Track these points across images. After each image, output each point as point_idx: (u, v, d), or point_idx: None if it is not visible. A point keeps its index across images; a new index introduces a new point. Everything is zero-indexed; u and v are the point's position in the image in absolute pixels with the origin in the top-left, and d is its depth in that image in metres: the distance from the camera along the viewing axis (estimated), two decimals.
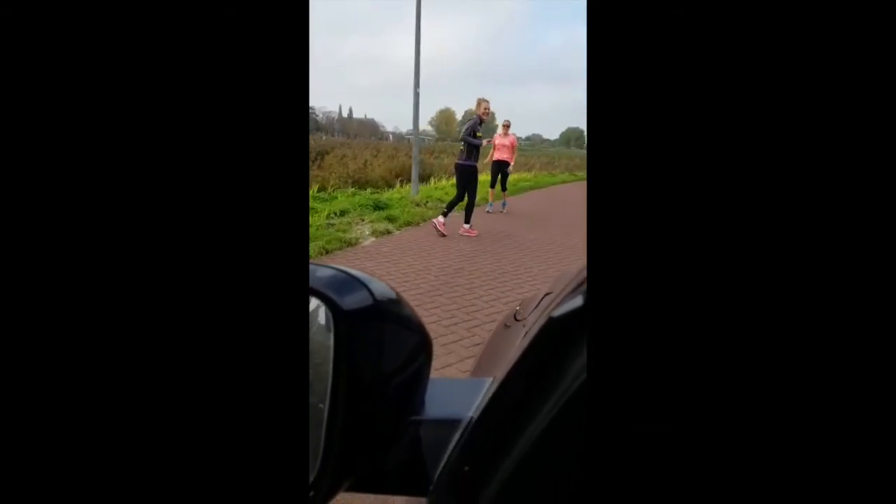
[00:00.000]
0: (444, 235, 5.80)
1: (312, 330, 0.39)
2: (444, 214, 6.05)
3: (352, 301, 0.37)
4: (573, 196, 12.04)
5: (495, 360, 0.61)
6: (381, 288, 0.39)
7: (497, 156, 7.92)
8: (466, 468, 0.37)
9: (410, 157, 10.51)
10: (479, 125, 6.07)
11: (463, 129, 6.23)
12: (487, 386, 0.42)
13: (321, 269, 0.39)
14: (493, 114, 6.68)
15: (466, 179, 6.08)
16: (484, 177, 8.21)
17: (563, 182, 17.37)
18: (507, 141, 8.00)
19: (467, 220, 6.09)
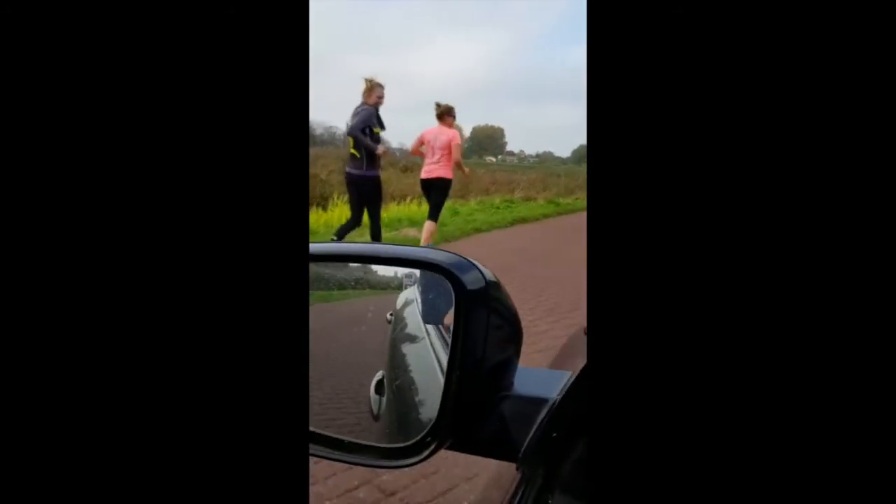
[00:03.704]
0: None
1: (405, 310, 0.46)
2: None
3: (471, 281, 0.41)
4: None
5: (573, 359, 0.67)
6: (489, 274, 0.43)
7: (430, 169, 4.75)
8: (554, 434, 0.41)
9: (404, 173, 10.36)
10: (375, 119, 4.20)
11: (352, 123, 4.22)
12: (568, 377, 0.46)
13: (439, 252, 0.44)
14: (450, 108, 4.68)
15: (365, 195, 4.31)
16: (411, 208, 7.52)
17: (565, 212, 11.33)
18: (440, 141, 4.64)
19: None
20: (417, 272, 0.46)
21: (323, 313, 0.48)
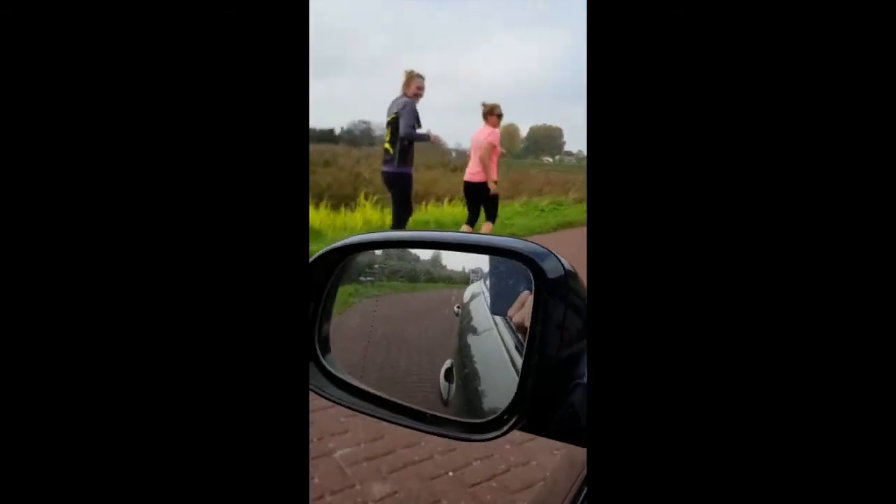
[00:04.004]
0: None
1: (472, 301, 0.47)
2: None
3: (550, 270, 0.42)
4: None
5: None
6: (567, 264, 0.44)
7: (470, 172, 4.59)
8: None
9: (452, 172, 10.23)
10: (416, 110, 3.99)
11: (400, 120, 3.90)
12: None
13: (519, 241, 0.45)
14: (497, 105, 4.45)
15: (406, 189, 4.09)
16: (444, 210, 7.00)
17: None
18: (478, 142, 4.48)
19: None
20: (484, 268, 0.47)
21: (396, 304, 0.50)
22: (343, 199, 8.13)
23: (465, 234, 0.51)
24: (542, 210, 9.21)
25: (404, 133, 3.94)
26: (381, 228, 5.72)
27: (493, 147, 4.37)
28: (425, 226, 6.67)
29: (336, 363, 0.46)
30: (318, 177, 10.63)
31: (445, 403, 0.47)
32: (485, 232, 4.54)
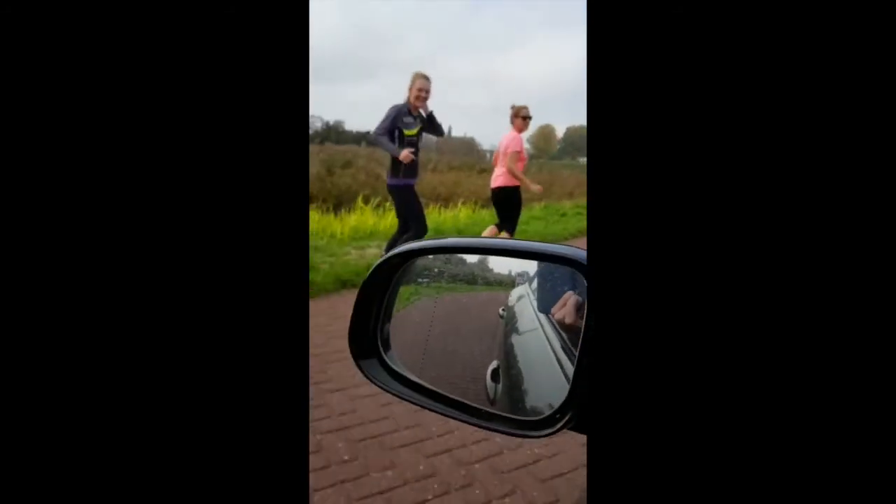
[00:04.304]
0: None
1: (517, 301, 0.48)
2: None
3: None
4: None
5: None
6: None
7: (494, 177, 4.32)
8: None
9: (479, 174, 10.05)
10: (407, 115, 3.49)
11: (379, 123, 3.53)
12: None
13: (569, 248, 0.46)
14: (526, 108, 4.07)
15: (406, 204, 3.67)
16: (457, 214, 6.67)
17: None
18: (503, 146, 4.24)
19: None
20: (531, 271, 0.50)
21: (452, 305, 0.53)
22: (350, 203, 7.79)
23: (517, 241, 0.53)
24: (564, 214, 8.39)
25: (371, 136, 3.66)
26: (380, 233, 5.58)
27: (517, 155, 4.14)
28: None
29: (396, 359, 0.50)
30: (336, 177, 10.62)
31: (492, 403, 0.49)
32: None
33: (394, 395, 0.48)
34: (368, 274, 0.49)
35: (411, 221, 3.72)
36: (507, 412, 0.48)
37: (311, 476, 1.45)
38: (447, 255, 0.51)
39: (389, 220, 5.91)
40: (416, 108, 3.57)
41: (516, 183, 4.14)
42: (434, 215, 7.37)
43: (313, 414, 1.79)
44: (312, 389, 1.98)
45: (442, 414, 0.47)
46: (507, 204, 4.26)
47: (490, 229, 4.41)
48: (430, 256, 0.52)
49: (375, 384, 0.49)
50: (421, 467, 1.56)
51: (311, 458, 1.55)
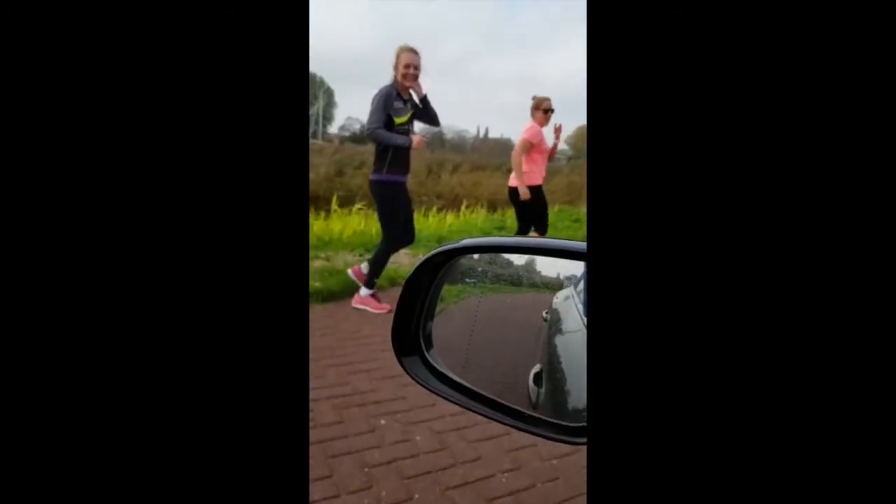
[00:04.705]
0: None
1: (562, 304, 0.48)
2: (369, 282, 2.96)
3: None
4: None
5: None
6: None
7: (513, 175, 3.79)
8: None
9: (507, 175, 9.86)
10: (396, 100, 2.78)
11: (369, 115, 2.80)
12: None
13: None
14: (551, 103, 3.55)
15: (386, 203, 2.88)
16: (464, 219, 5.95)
17: None
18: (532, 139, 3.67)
19: (368, 283, 2.96)
20: (578, 273, 0.49)
21: (496, 305, 0.53)
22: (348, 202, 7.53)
23: (563, 240, 0.53)
24: (577, 220, 7.32)
25: (367, 132, 2.83)
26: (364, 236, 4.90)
27: (528, 145, 3.59)
28: (424, 243, 4.60)
29: (438, 358, 0.49)
30: (347, 178, 10.66)
31: (535, 406, 0.48)
32: None
33: (435, 393, 0.48)
34: (412, 272, 0.48)
35: (386, 228, 2.86)
36: (550, 416, 0.47)
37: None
38: (492, 255, 0.51)
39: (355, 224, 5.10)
40: (407, 90, 2.80)
41: (536, 181, 3.67)
42: (431, 221, 6.51)
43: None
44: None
45: (483, 415, 0.47)
46: (525, 204, 3.74)
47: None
48: (475, 256, 0.51)
49: (417, 381, 0.48)
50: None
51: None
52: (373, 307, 2.92)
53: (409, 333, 0.49)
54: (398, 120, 2.78)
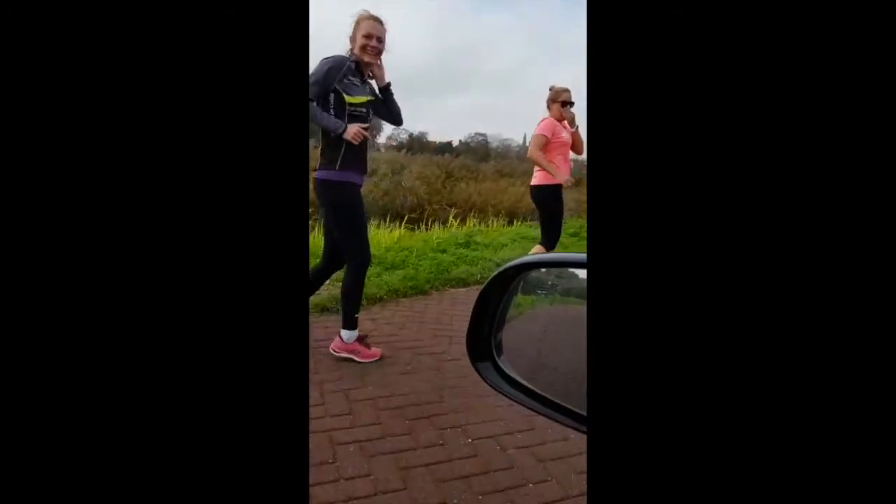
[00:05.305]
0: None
1: None
2: (349, 321, 2.22)
3: None
4: None
5: None
6: None
7: (536, 173, 3.30)
8: None
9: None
10: (353, 74, 2.09)
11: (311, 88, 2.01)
12: None
13: None
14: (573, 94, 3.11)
15: (345, 212, 2.14)
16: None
17: None
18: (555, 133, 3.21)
19: (348, 322, 2.21)
20: None
21: (556, 316, 0.56)
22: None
23: None
24: (574, 234, 6.33)
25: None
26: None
27: (543, 140, 3.15)
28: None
29: (508, 363, 0.53)
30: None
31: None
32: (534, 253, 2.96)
33: (506, 396, 0.51)
34: (485, 284, 0.52)
35: (349, 243, 2.14)
36: None
37: None
38: (560, 270, 0.54)
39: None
40: (367, 67, 2.11)
41: (554, 180, 3.18)
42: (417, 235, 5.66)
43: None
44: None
45: (552, 419, 0.50)
46: (543, 206, 3.33)
47: (536, 248, 3.42)
48: (543, 270, 0.55)
49: (490, 386, 0.52)
50: None
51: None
52: (362, 355, 2.20)
53: (483, 341, 0.52)
54: (352, 100, 2.03)
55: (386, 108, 2.27)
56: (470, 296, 3.19)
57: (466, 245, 5.08)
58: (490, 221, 7.78)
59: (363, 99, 2.11)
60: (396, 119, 2.33)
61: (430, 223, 6.93)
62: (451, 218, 7.30)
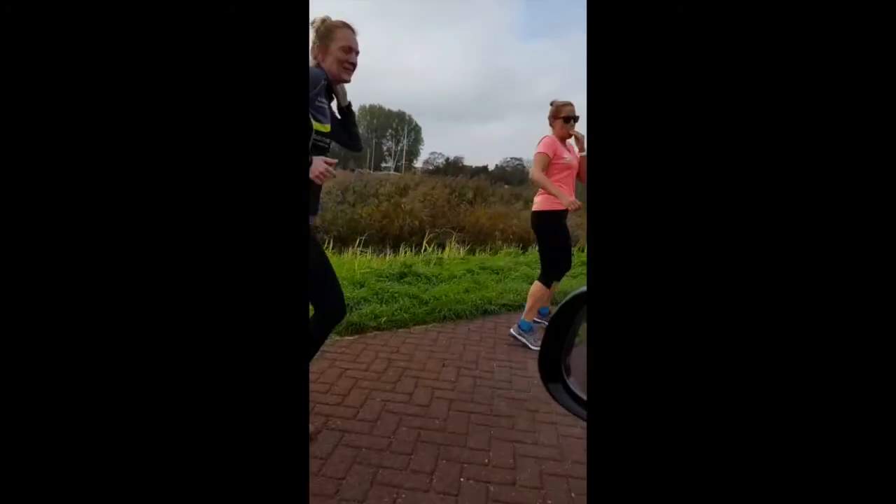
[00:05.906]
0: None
1: None
2: None
3: None
4: None
5: None
6: None
7: (537, 199, 2.92)
8: None
9: None
10: (323, 95, 1.58)
11: None
12: None
13: None
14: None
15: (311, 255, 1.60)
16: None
17: None
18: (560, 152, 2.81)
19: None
20: None
21: None
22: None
23: None
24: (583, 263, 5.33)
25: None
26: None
27: (545, 159, 2.77)
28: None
29: (577, 384, 0.58)
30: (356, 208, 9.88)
31: None
32: (530, 299, 2.91)
33: (575, 415, 0.56)
34: (556, 310, 0.57)
35: (314, 291, 1.66)
36: None
37: None
38: None
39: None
40: (340, 83, 1.70)
41: (557, 206, 2.77)
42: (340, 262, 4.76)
43: None
44: None
45: None
46: (543, 236, 2.91)
47: (535, 286, 2.94)
48: None
49: (560, 404, 0.56)
50: None
51: None
52: None
53: (553, 363, 0.57)
54: (318, 126, 1.61)
55: (347, 131, 1.83)
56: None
57: (400, 278, 3.89)
58: (497, 247, 7.48)
59: (328, 127, 1.65)
60: (356, 144, 1.86)
61: (427, 248, 6.39)
62: (452, 242, 6.90)
